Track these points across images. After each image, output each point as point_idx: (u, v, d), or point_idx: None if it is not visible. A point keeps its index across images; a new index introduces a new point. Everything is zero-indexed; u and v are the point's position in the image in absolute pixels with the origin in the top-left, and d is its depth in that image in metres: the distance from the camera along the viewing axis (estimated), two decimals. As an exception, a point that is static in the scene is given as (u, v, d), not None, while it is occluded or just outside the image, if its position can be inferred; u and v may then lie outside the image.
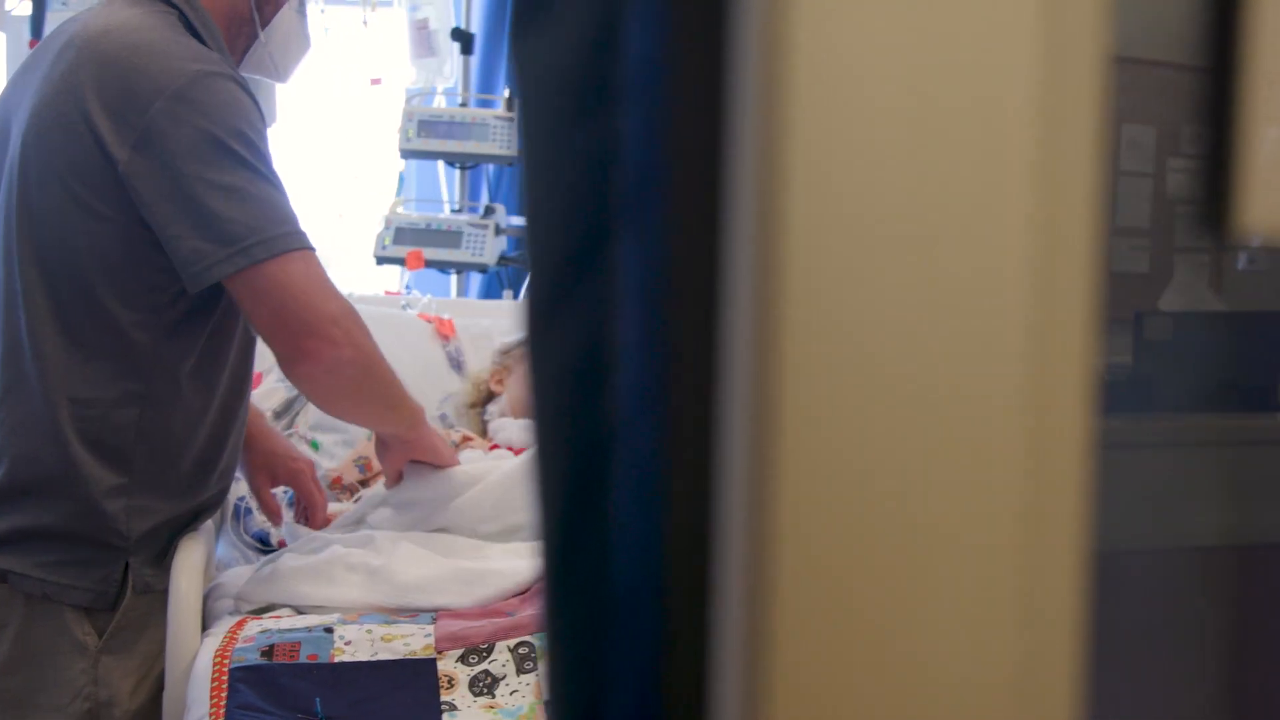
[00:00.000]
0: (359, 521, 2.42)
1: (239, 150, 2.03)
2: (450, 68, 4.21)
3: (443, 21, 4.17)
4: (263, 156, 2.08)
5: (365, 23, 3.93)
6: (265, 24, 2.29)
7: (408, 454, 2.41)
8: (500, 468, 2.42)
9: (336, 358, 2.08)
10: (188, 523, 2.21)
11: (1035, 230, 0.48)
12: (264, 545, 2.64)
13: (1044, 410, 0.49)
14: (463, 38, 4.23)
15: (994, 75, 0.48)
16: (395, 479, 2.43)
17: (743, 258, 0.46)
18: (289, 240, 2.06)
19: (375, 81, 4.18)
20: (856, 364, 0.46)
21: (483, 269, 3.96)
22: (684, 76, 0.47)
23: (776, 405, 0.45)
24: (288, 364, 2.12)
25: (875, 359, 0.46)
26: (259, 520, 2.69)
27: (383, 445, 2.42)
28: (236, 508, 2.71)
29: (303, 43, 2.39)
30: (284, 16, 2.31)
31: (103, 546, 2.12)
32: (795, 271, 0.45)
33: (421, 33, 4.12)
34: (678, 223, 0.48)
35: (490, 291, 4.39)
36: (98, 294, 2.09)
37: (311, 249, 2.11)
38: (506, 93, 4.04)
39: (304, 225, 2.12)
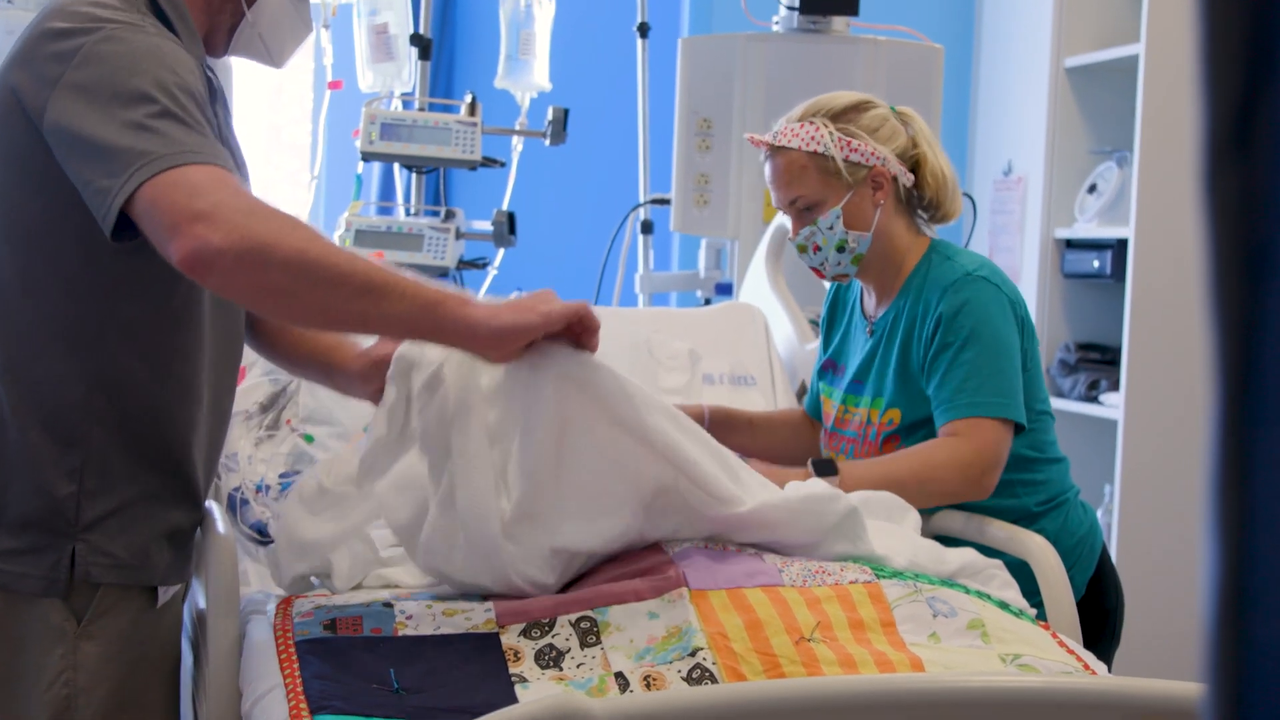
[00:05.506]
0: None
1: (149, 90, 1.91)
2: (408, 72, 4.23)
3: (401, 27, 4.19)
4: (176, 99, 1.94)
5: (327, 25, 3.93)
6: (251, 2, 2.19)
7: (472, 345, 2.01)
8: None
9: (204, 249, 1.81)
10: (156, 511, 2.13)
11: None
12: (262, 536, 2.63)
13: None
14: (421, 43, 4.25)
15: None
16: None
17: None
18: (179, 158, 1.87)
19: (334, 85, 4.17)
20: None
21: (444, 273, 3.98)
22: None
23: None
24: (193, 278, 1.89)
25: None
26: (256, 511, 2.68)
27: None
28: (232, 499, 2.70)
29: (298, 25, 2.30)
30: None
31: (51, 532, 2.05)
32: None
33: (380, 37, 4.14)
34: None
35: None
36: (36, 271, 2.05)
37: (210, 164, 1.89)
38: (469, 97, 4.06)
39: (220, 155, 1.93)
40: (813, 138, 2.57)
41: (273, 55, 2.29)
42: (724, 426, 2.89)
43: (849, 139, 2.57)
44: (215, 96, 2.18)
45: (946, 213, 2.65)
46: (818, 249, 2.61)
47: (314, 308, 1.93)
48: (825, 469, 2.50)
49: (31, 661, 2.06)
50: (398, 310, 1.91)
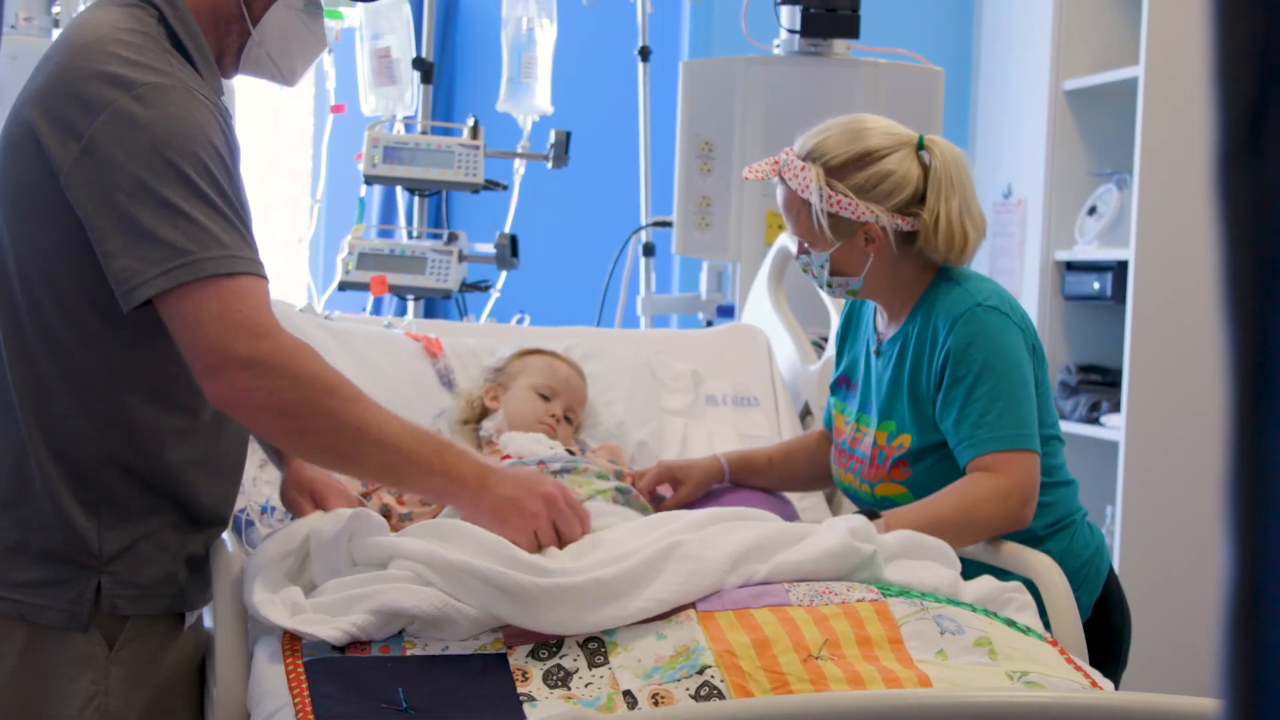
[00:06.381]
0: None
1: (185, 169, 1.97)
2: (410, 96, 4.24)
3: (404, 51, 4.20)
4: (211, 178, 1.99)
5: (329, 49, 3.95)
6: (256, 20, 2.18)
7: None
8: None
9: (246, 403, 1.98)
10: (176, 540, 2.16)
11: None
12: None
13: None
14: (423, 67, 4.27)
15: None
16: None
17: None
18: (217, 265, 1.96)
19: (337, 108, 4.19)
20: None
21: (446, 295, 3.99)
22: None
23: None
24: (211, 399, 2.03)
25: None
26: (261, 532, 2.68)
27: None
28: (237, 520, 2.70)
29: (309, 41, 2.27)
30: (279, 13, 2.20)
31: (74, 564, 2.07)
32: None
33: (383, 61, 4.15)
34: None
35: (446, 317, 4.41)
36: (46, 311, 2.06)
37: (250, 274, 2.00)
38: (471, 121, 4.08)
39: (249, 253, 2.02)
40: (805, 185, 2.52)
41: (284, 73, 2.28)
42: (745, 471, 2.89)
43: (838, 197, 2.51)
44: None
45: (948, 260, 2.58)
46: (814, 275, 2.62)
47: (319, 460, 2.20)
48: (870, 518, 2.50)
49: (61, 688, 2.08)
50: (396, 481, 2.23)
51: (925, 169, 2.55)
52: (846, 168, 2.52)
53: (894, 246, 2.55)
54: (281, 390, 1.96)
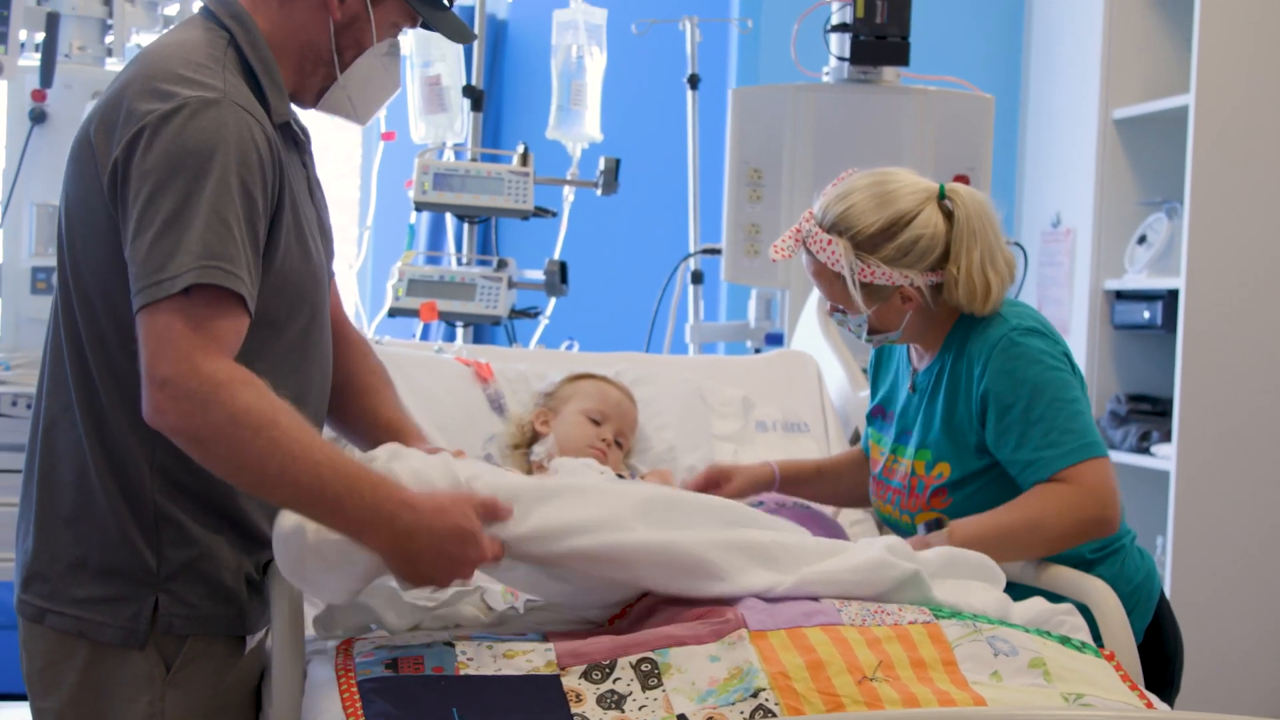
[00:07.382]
0: None
1: (200, 177, 1.96)
2: (461, 124, 4.27)
3: (454, 78, 4.23)
4: (225, 186, 1.98)
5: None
6: (345, 67, 2.22)
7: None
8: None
9: (162, 424, 1.95)
10: (233, 559, 2.17)
11: None
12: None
13: None
14: (473, 94, 4.30)
15: None
16: None
17: None
18: (181, 280, 1.94)
19: (388, 136, 4.22)
20: None
21: (496, 321, 4.00)
22: None
23: None
24: None
25: None
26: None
27: None
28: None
29: (387, 83, 2.31)
30: (366, 60, 2.23)
31: (133, 582, 2.09)
32: None
33: (433, 89, 4.18)
34: None
35: (495, 344, 4.42)
36: (101, 326, 2.08)
37: (225, 288, 1.97)
38: (521, 148, 4.10)
39: (234, 268, 1.98)
40: (835, 260, 2.50)
41: (359, 113, 2.32)
42: (794, 480, 2.90)
43: (871, 268, 2.49)
44: (301, 148, 2.23)
45: (973, 310, 2.55)
46: (851, 330, 2.61)
47: (246, 488, 2.06)
48: (934, 527, 2.50)
49: (119, 708, 2.10)
50: (319, 515, 2.02)
51: (949, 217, 2.52)
52: (876, 239, 2.49)
53: (929, 299, 2.54)
54: (189, 415, 1.93)
